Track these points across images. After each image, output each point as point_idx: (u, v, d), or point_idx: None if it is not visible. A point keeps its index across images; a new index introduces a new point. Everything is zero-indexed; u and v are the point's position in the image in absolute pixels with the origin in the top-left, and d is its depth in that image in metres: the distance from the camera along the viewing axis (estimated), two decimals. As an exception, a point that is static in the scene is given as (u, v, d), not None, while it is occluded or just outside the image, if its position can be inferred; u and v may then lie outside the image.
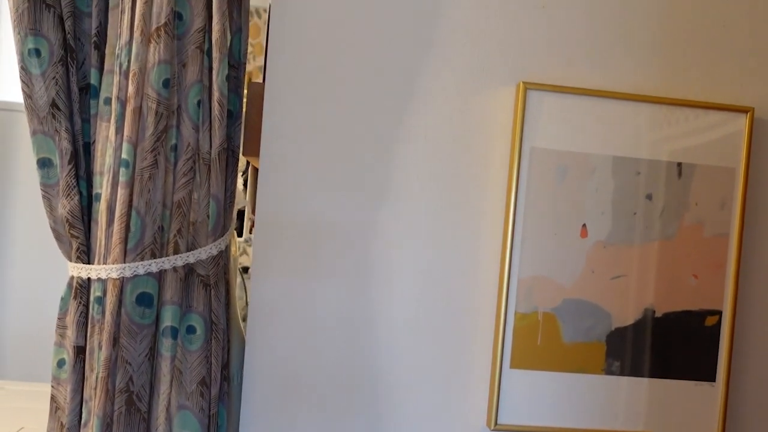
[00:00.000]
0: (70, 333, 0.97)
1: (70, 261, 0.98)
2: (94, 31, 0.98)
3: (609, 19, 1.10)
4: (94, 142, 0.99)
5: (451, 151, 1.09)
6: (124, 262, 0.95)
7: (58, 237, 0.98)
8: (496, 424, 1.07)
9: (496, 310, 1.08)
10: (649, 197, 1.10)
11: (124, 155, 0.94)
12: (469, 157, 1.09)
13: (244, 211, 1.58)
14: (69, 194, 0.96)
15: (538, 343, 1.08)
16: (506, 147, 1.09)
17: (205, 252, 1.00)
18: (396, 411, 1.09)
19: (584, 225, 1.09)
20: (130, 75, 0.95)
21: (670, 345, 1.10)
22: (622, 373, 1.10)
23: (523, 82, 1.07)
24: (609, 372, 1.10)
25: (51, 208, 0.97)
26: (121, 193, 0.94)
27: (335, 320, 1.08)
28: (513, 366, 1.08)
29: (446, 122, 1.08)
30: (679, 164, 1.10)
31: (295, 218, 1.07)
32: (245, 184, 1.37)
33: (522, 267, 1.08)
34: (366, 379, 1.08)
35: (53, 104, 0.96)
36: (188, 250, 0.99)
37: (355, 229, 1.08)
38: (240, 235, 1.49)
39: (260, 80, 1.25)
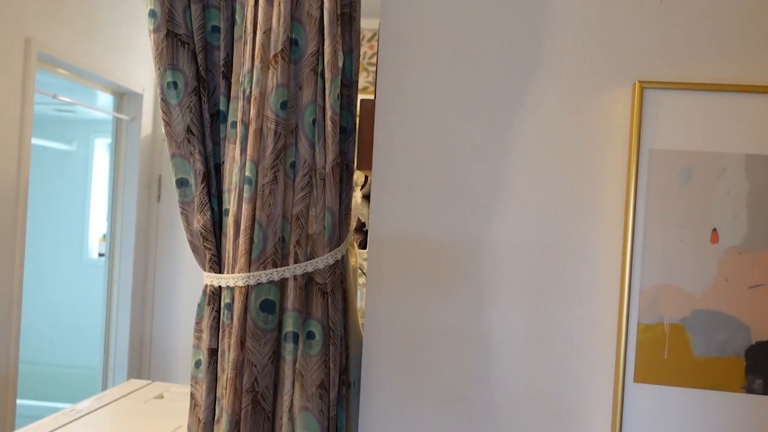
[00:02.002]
0: (205, 336, 1.07)
1: (204, 270, 1.08)
2: (222, 62, 1.09)
3: (736, 7, 1.02)
4: (223, 162, 1.09)
5: (565, 157, 1.06)
6: (249, 272, 1.03)
7: (194, 249, 1.09)
8: (619, 440, 1.02)
9: (618, 321, 1.04)
10: (790, 198, 1.00)
11: (247, 173, 1.03)
12: (584, 163, 1.06)
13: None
14: (202, 210, 1.07)
15: (664, 356, 1.02)
16: (623, 150, 1.04)
17: (323, 261, 1.05)
18: (513, 425, 1.07)
19: (714, 230, 1.01)
20: (252, 99, 1.03)
21: (824, 362, 0.99)
22: (765, 392, 1.00)
23: (640, 82, 1.02)
24: (750, 390, 1.00)
25: (188, 223, 1.08)
26: (246, 208, 1.03)
27: (449, 333, 1.09)
28: (637, 380, 1.02)
29: (559, 128, 1.06)
30: (827, 160, 0.99)
31: (406, 229, 1.10)
32: (367, 197, 1.42)
33: (644, 276, 1.02)
34: (482, 393, 1.08)
35: (188, 130, 1.06)
36: (307, 259, 1.05)
37: (466, 241, 1.08)
38: (364, 247, 1.54)
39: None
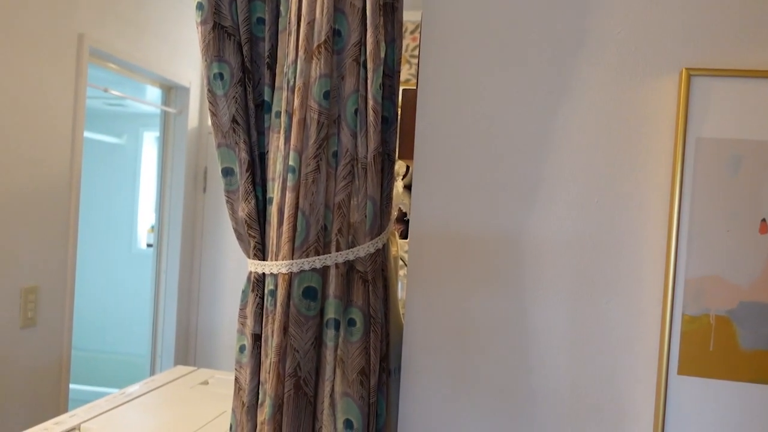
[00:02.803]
0: (249, 322, 1.09)
1: (249, 258, 1.11)
2: (266, 53, 1.11)
3: (790, -9, 0.99)
4: (267, 152, 1.11)
5: (608, 146, 1.05)
6: (292, 259, 1.05)
7: (239, 237, 1.12)
8: (662, 433, 1.01)
9: (662, 312, 1.02)
10: None
11: (291, 162, 1.04)
12: (628, 153, 1.04)
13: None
14: (247, 198, 1.09)
15: (710, 348, 1.00)
16: (669, 139, 1.03)
17: (364, 250, 1.07)
18: (554, 417, 1.07)
19: (764, 220, 0.99)
20: (296, 90, 1.05)
21: None
22: (816, 387, 0.97)
23: (687, 69, 1.00)
24: (800, 385, 0.98)
25: (233, 212, 1.11)
26: (289, 197, 1.05)
27: (490, 325, 1.09)
28: (681, 372, 1.01)
29: (603, 117, 1.05)
30: None
31: (448, 220, 1.10)
32: (408, 187, 1.43)
33: (690, 266, 1.00)
34: (523, 385, 1.08)
35: (234, 120, 1.09)
36: (348, 248, 1.07)
37: (508, 232, 1.08)
38: (405, 237, 1.55)
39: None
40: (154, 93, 3.27)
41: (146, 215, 4.83)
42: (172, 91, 3.27)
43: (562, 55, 1.06)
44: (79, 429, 1.44)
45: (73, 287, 2.47)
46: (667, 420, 1.01)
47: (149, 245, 4.76)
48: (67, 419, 1.49)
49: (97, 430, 1.44)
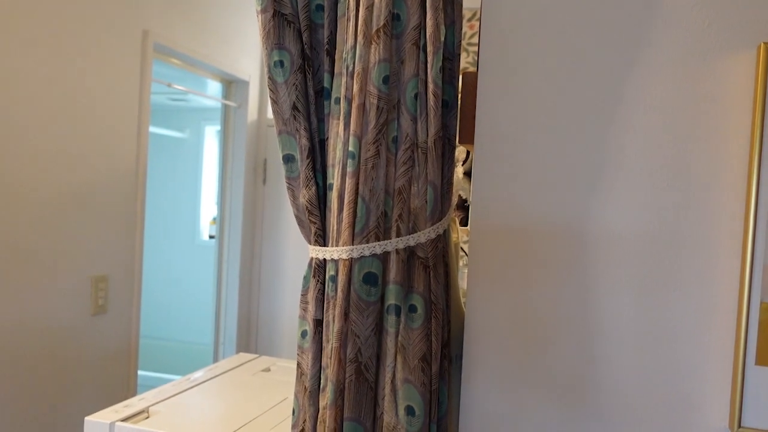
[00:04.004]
0: (311, 308, 1.10)
1: (310, 244, 1.11)
2: (326, 40, 1.11)
3: None
4: (327, 138, 1.11)
5: (680, 127, 1.00)
6: (352, 245, 1.05)
7: (300, 223, 1.12)
8: (739, 426, 0.96)
9: (738, 301, 0.97)
10: None
11: (350, 148, 1.04)
12: (701, 133, 0.99)
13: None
14: (308, 185, 1.10)
15: (791, 338, 0.95)
16: (746, 119, 0.97)
17: (424, 236, 1.06)
18: (622, 412, 1.03)
19: None
20: (355, 75, 1.05)
21: None
22: None
23: (765, 43, 0.95)
24: None
25: (294, 198, 1.11)
26: (349, 183, 1.05)
27: (554, 315, 1.06)
28: (759, 363, 0.96)
29: (673, 96, 1.01)
30: None
31: (510, 207, 1.08)
32: (468, 174, 1.41)
33: (769, 252, 0.95)
34: (589, 379, 1.05)
35: (294, 107, 1.10)
36: (409, 233, 1.06)
37: (573, 220, 1.05)
38: (465, 224, 1.53)
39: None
40: (214, 87, 3.34)
41: (209, 207, 4.96)
42: (232, 85, 3.33)
43: (631, 31, 1.02)
44: (148, 412, 1.49)
45: (141, 277, 2.55)
46: (744, 412, 0.96)
47: (211, 237, 4.88)
48: (136, 402, 1.54)
49: (164, 413, 1.48)
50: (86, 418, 1.43)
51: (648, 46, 1.02)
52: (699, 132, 0.99)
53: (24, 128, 1.96)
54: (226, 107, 3.34)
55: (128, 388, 2.51)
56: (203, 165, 4.95)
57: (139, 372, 2.63)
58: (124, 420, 1.42)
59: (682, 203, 1.00)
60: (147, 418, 1.46)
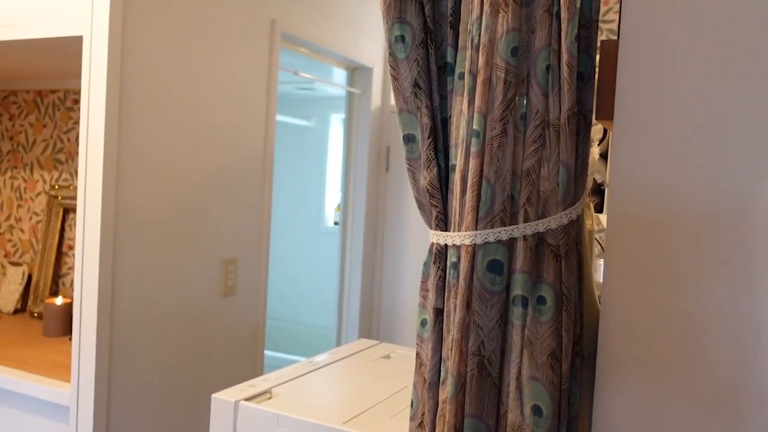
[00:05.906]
0: (431, 296, 1.05)
1: (431, 229, 1.06)
2: (449, 12, 1.04)
3: None
4: (450, 116, 1.05)
5: None
6: (476, 230, 0.98)
7: (421, 206, 1.07)
8: None
9: None
10: None
11: (475, 126, 0.97)
12: None
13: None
14: (429, 166, 1.04)
15: None
16: None
17: (555, 221, 0.97)
18: (788, 418, 0.89)
19: None
20: (481, 47, 0.97)
21: None
22: None
23: None
24: None
25: (414, 180, 1.06)
26: (473, 163, 0.98)
27: (705, 312, 0.93)
28: None
29: None
30: None
31: (653, 191, 0.96)
32: (604, 155, 1.29)
33: None
34: (749, 383, 0.91)
35: (415, 84, 1.04)
36: (538, 219, 0.98)
37: (728, 206, 0.92)
38: (600, 210, 1.41)
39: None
40: (340, 75, 3.37)
41: (334, 194, 5.05)
42: (356, 72, 3.34)
43: (807, -14, 0.87)
44: (270, 393, 1.51)
45: (267, 260, 2.62)
46: None
47: (335, 223, 4.98)
48: (260, 382, 1.57)
49: (286, 395, 1.50)
50: (213, 395, 1.47)
51: (831, 0, 0.86)
52: None
53: (169, 116, 2.05)
54: (350, 94, 3.35)
55: (255, 367, 2.60)
56: (329, 152, 5.05)
57: (266, 352, 2.71)
58: (248, 399, 1.45)
59: None
60: (270, 398, 1.48)
